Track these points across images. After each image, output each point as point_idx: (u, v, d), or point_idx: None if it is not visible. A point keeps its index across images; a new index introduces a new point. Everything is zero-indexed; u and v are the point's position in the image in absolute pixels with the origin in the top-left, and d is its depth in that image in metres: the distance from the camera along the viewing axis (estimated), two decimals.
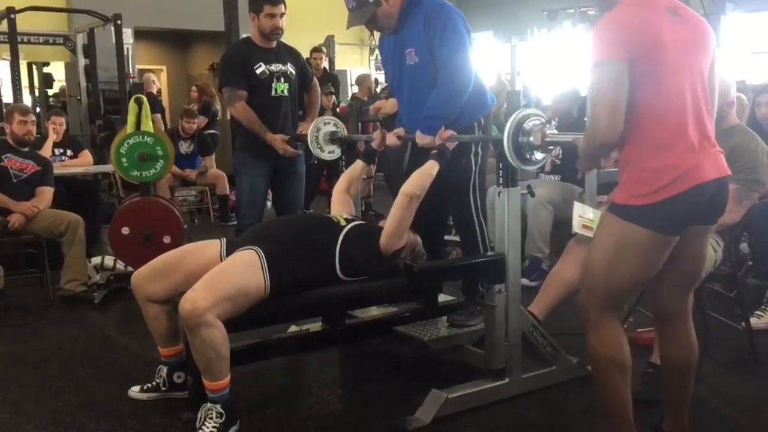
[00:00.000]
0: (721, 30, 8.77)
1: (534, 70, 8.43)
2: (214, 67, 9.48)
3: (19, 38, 6.20)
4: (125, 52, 6.73)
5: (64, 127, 5.67)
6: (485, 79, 3.16)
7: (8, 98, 6.74)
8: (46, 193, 4.37)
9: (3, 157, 4.31)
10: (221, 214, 7.02)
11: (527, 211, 4.48)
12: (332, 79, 7.85)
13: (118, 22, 6.19)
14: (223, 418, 2.40)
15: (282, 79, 3.85)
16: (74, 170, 5.51)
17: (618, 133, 1.93)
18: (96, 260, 4.59)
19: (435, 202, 3.13)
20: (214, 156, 7.66)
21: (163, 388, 2.77)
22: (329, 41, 9.93)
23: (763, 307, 3.47)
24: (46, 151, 5.22)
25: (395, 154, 3.84)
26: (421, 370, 3.07)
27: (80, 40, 7.47)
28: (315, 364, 3.15)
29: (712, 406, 2.79)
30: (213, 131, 8.12)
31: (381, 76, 10.75)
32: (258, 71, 3.78)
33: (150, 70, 8.95)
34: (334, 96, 7.23)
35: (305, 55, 8.14)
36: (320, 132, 3.51)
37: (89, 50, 7.31)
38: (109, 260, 4.59)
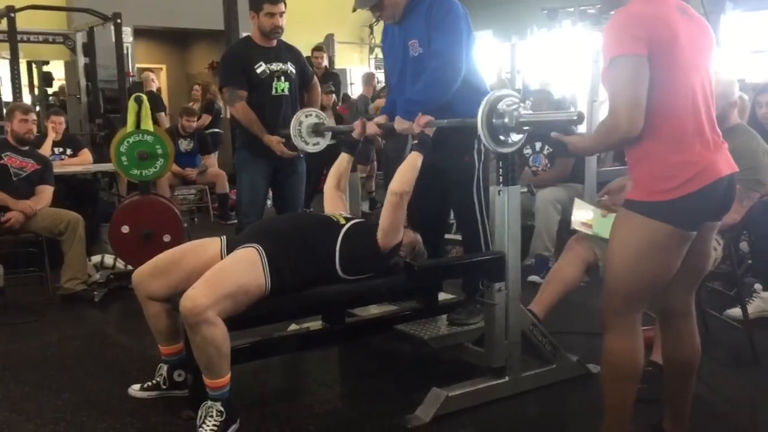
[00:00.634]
0: (721, 29, 8.77)
1: (534, 68, 8.42)
2: (213, 66, 9.47)
3: (18, 37, 6.19)
4: (125, 51, 6.72)
5: (63, 126, 5.67)
6: (486, 77, 3.16)
7: (8, 97, 6.74)
8: (46, 191, 4.37)
9: (3, 155, 4.31)
10: (221, 213, 7.02)
11: (535, 210, 4.50)
12: (332, 78, 7.84)
13: (118, 20, 6.18)
14: (224, 417, 2.40)
15: (282, 78, 3.84)
16: (74, 169, 5.51)
17: (639, 129, 1.91)
18: (96, 259, 4.59)
19: (436, 199, 3.13)
20: (216, 155, 7.66)
21: (164, 387, 2.78)
22: (329, 40, 9.94)
23: (748, 299, 3.47)
24: (45, 149, 5.22)
25: (394, 152, 3.83)
26: (421, 368, 3.07)
27: (80, 38, 7.47)
28: (315, 362, 3.15)
29: (711, 404, 2.79)
30: (216, 130, 8.13)
31: (381, 75, 10.76)
32: (258, 71, 3.78)
33: (149, 69, 8.95)
34: (334, 95, 7.22)
35: (306, 53, 8.19)
36: (302, 125, 3.49)
37: (89, 49, 7.30)
38: (109, 259, 4.60)
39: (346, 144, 3.22)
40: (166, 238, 4.21)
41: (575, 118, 2.31)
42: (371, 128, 3.06)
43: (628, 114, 1.90)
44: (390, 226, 2.68)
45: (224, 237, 2.75)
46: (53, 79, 8.88)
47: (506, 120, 2.43)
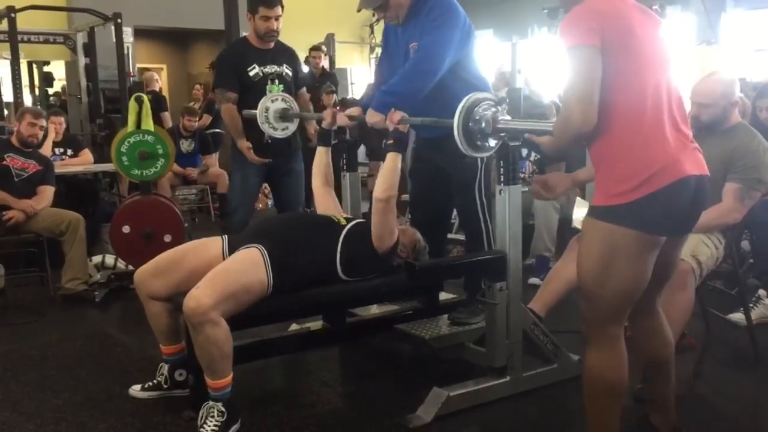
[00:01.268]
0: (721, 27, 8.76)
1: (535, 68, 8.42)
2: (214, 66, 9.46)
3: (19, 37, 6.18)
4: (125, 51, 6.71)
5: (63, 126, 5.66)
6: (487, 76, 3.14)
7: (8, 97, 6.73)
8: (47, 192, 4.37)
9: (5, 156, 4.31)
10: (222, 213, 7.02)
11: (534, 211, 4.50)
12: (330, 78, 7.84)
13: (119, 20, 6.18)
14: (225, 417, 2.40)
15: (276, 81, 3.81)
16: (75, 169, 5.50)
17: (592, 124, 1.85)
18: (97, 259, 4.59)
19: (439, 199, 3.13)
20: (217, 155, 7.66)
21: (165, 387, 2.77)
22: (329, 40, 9.93)
23: (751, 305, 3.46)
24: (45, 150, 5.21)
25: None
26: (422, 368, 3.07)
27: (80, 38, 7.47)
28: (316, 362, 3.15)
29: (713, 403, 2.79)
30: (217, 130, 8.12)
31: None
32: (251, 73, 3.76)
33: (148, 69, 8.95)
34: (335, 95, 7.22)
35: (306, 53, 8.17)
36: (269, 111, 3.45)
37: (89, 49, 7.30)
38: (109, 259, 4.59)
39: (320, 137, 3.19)
40: (167, 238, 4.21)
41: (550, 129, 2.21)
42: (342, 119, 3.04)
43: (581, 107, 1.85)
44: (382, 231, 2.66)
45: (225, 236, 2.75)
46: (54, 79, 8.87)
47: (483, 125, 2.39)
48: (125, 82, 6.44)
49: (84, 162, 5.63)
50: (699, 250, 2.89)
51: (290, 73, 3.89)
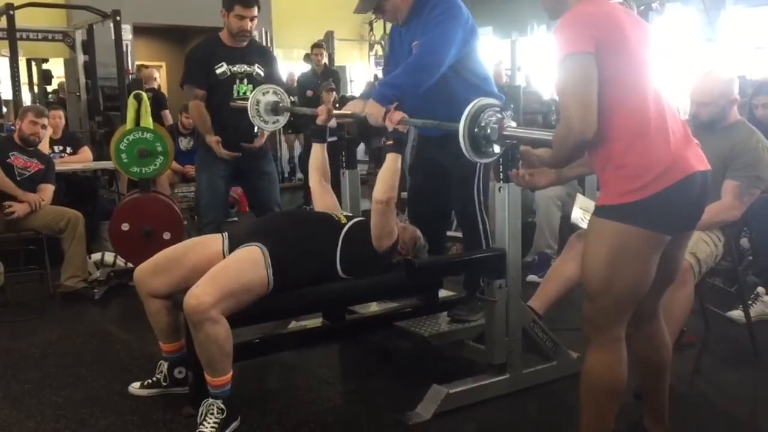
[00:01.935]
0: (721, 24, 8.76)
1: (535, 65, 8.43)
2: None
3: (18, 34, 6.17)
4: (124, 49, 6.70)
5: (62, 121, 5.65)
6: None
7: (7, 95, 6.72)
8: (47, 190, 4.37)
9: (10, 154, 4.31)
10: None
11: (536, 208, 4.50)
12: (332, 75, 7.84)
13: (117, 18, 6.17)
14: (224, 414, 2.40)
15: (245, 81, 3.75)
16: (74, 167, 5.50)
17: (593, 130, 1.83)
18: (96, 256, 4.59)
19: (439, 196, 3.13)
20: None
21: (164, 384, 2.78)
22: (329, 37, 9.92)
23: (750, 302, 3.46)
24: (43, 146, 5.20)
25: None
26: (421, 365, 3.07)
27: (79, 36, 7.44)
28: (315, 359, 3.15)
29: (712, 400, 2.80)
30: None
31: (380, 73, 10.75)
32: (218, 71, 3.70)
33: (146, 66, 8.93)
34: (335, 92, 7.21)
35: (305, 50, 8.15)
36: (260, 103, 3.39)
37: (88, 46, 7.28)
38: (109, 256, 4.59)
39: (315, 133, 3.16)
40: (166, 235, 4.21)
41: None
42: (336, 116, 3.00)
43: (580, 114, 1.82)
44: (381, 232, 2.65)
45: (225, 234, 2.75)
46: (53, 76, 8.86)
47: (488, 131, 2.33)
48: (124, 80, 6.43)
49: (83, 159, 5.63)
50: (698, 247, 2.90)
51: (261, 74, 3.80)
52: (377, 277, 2.78)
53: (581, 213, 3.11)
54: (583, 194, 3.40)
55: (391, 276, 2.78)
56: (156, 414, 2.65)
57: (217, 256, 2.62)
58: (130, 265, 4.30)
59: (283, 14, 10.04)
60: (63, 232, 4.21)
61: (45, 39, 7.50)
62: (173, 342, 2.74)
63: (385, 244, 2.68)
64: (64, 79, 8.95)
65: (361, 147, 8.78)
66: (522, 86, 4.91)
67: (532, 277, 4.16)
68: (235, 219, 6.68)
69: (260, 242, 2.55)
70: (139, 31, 9.33)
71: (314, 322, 3.11)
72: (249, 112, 3.38)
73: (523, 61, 8.09)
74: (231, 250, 2.62)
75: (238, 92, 3.75)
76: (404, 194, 3.99)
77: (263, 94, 3.41)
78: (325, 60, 8.23)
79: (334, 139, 3.43)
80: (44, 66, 8.64)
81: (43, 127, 4.48)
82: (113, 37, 6.27)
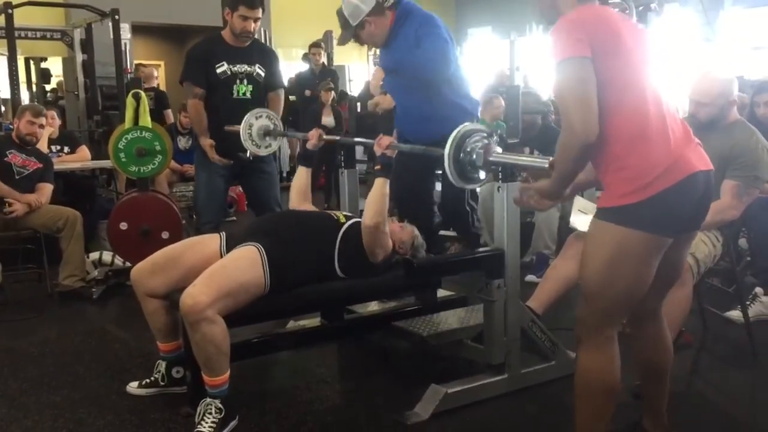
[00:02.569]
0: (719, 24, 8.76)
1: (534, 65, 8.44)
2: None
3: (16, 33, 6.17)
4: (123, 48, 6.69)
5: (56, 120, 5.64)
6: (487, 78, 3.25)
7: (6, 94, 6.71)
8: (46, 189, 4.36)
9: (7, 152, 4.31)
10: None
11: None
12: (330, 75, 7.84)
13: (116, 17, 6.16)
14: (222, 414, 2.40)
15: (245, 81, 3.72)
16: (72, 166, 5.49)
17: (595, 132, 1.82)
18: (94, 256, 4.58)
19: (423, 188, 3.28)
20: None
21: (162, 384, 2.77)
22: (328, 37, 9.92)
23: (748, 303, 3.46)
24: (41, 146, 5.19)
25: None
26: (419, 365, 3.07)
27: (78, 35, 7.44)
28: (314, 359, 3.15)
29: (711, 400, 2.80)
30: None
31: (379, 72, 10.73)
32: (219, 70, 3.68)
33: (147, 65, 8.92)
34: (333, 92, 7.22)
35: (304, 50, 8.15)
36: (253, 127, 3.38)
37: (87, 45, 7.27)
38: (107, 256, 4.58)
39: (303, 157, 3.17)
40: (165, 235, 4.21)
41: (546, 165, 2.18)
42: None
43: (580, 116, 1.82)
44: (373, 249, 2.66)
45: (223, 233, 2.75)
46: (51, 75, 8.85)
47: (474, 157, 2.35)
48: (123, 79, 6.42)
49: (81, 159, 5.62)
50: (697, 247, 2.90)
51: (262, 74, 3.77)
52: (376, 276, 2.78)
53: (580, 215, 3.11)
54: (582, 196, 3.40)
55: (390, 275, 2.78)
56: (154, 413, 2.64)
57: (215, 255, 2.62)
58: (128, 264, 4.30)
59: (283, 13, 10.03)
60: (61, 231, 4.21)
61: (43, 38, 7.50)
62: (171, 341, 2.74)
63: (380, 258, 2.68)
64: (62, 78, 8.94)
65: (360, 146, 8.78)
66: (521, 86, 4.91)
67: (530, 277, 4.16)
68: (234, 218, 6.68)
69: (258, 242, 2.55)
70: (137, 30, 9.33)
71: (313, 321, 3.11)
72: (241, 136, 3.36)
73: (522, 61, 8.09)
74: (228, 249, 2.61)
75: (238, 92, 3.73)
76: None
77: (256, 118, 3.39)
78: (324, 59, 8.23)
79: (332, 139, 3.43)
80: (43, 65, 8.62)
81: (41, 126, 4.46)
82: (112, 36, 6.26)
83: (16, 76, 6.08)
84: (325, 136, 3.10)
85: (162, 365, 2.78)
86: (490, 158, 2.32)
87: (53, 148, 5.47)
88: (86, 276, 4.32)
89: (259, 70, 3.77)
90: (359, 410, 2.69)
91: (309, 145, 3.09)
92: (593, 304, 2.00)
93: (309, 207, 3.08)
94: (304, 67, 8.48)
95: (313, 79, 7.76)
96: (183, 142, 6.84)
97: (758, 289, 3.63)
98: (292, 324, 3.23)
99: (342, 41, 3.14)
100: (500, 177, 2.59)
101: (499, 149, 2.36)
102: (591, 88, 1.84)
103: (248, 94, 3.74)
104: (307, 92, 7.68)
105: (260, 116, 3.40)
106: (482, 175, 2.43)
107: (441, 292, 3.19)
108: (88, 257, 4.46)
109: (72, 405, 2.75)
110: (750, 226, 3.66)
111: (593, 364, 2.01)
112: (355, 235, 2.70)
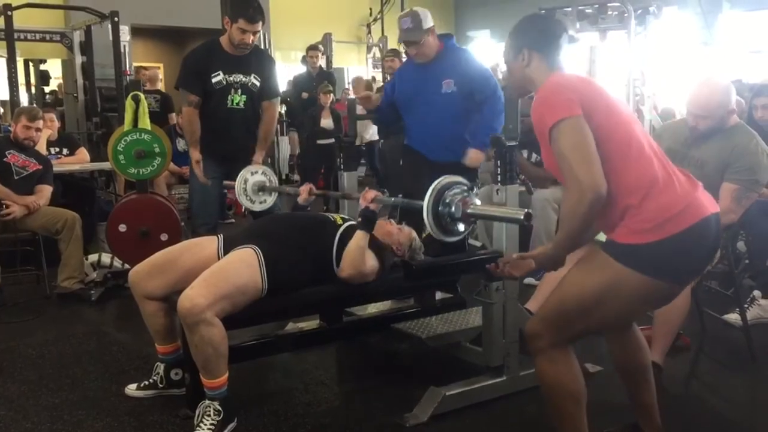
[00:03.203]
0: (718, 28, 8.78)
1: None
2: None
3: (16, 35, 6.17)
4: (122, 50, 6.70)
5: (55, 123, 5.64)
6: None
7: (5, 95, 6.71)
8: (45, 191, 4.36)
9: (7, 153, 4.31)
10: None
11: (532, 211, 4.50)
12: (327, 77, 7.84)
13: (115, 19, 6.16)
14: (221, 416, 2.40)
15: (240, 91, 3.70)
16: (71, 168, 5.49)
17: (603, 185, 1.80)
18: (93, 258, 4.58)
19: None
20: None
21: (161, 386, 2.77)
22: (326, 39, 9.93)
23: (746, 306, 3.46)
24: (40, 147, 5.19)
25: (392, 154, 3.85)
26: (418, 367, 3.07)
27: (77, 37, 7.44)
28: (313, 361, 3.15)
29: (709, 403, 2.80)
30: None
31: (378, 75, 10.76)
32: (214, 80, 3.65)
33: (147, 68, 8.93)
34: (332, 94, 7.22)
35: (303, 52, 8.16)
36: (248, 183, 3.35)
37: (86, 47, 7.27)
38: (106, 258, 4.59)
39: (295, 209, 3.17)
40: (164, 236, 4.20)
41: (521, 217, 2.19)
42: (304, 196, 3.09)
43: (586, 171, 1.80)
44: (360, 280, 2.65)
45: (221, 236, 2.75)
46: (50, 77, 8.85)
47: (452, 209, 2.35)
48: (122, 81, 6.43)
49: (80, 161, 5.62)
50: None
51: (257, 84, 3.74)
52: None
53: None
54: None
55: (388, 277, 2.78)
56: (152, 415, 2.64)
57: (213, 258, 2.62)
58: (127, 266, 4.30)
59: (281, 16, 10.05)
60: (60, 233, 4.21)
61: (43, 40, 7.50)
62: (169, 343, 2.74)
63: (369, 278, 2.68)
64: (61, 80, 8.94)
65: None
66: None
67: (529, 280, 4.15)
68: (232, 221, 6.68)
69: (255, 244, 2.55)
70: (137, 32, 9.34)
71: (311, 323, 3.11)
72: (236, 191, 3.34)
73: None
74: (226, 252, 2.61)
75: (232, 101, 3.70)
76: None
77: (251, 174, 3.36)
78: (322, 62, 8.23)
79: (332, 141, 3.44)
80: (42, 67, 8.63)
81: (38, 130, 4.46)
82: (111, 38, 6.26)
83: (15, 78, 6.09)
84: (315, 191, 3.11)
85: (160, 367, 2.78)
86: (468, 211, 2.32)
87: (52, 150, 5.47)
88: (85, 278, 4.33)
89: (254, 80, 3.74)
90: (358, 412, 2.69)
91: (300, 200, 3.08)
92: (566, 321, 1.98)
93: None
94: (303, 69, 8.49)
95: (311, 82, 7.77)
96: (182, 144, 6.83)
97: (756, 292, 3.64)
98: (290, 326, 3.23)
99: (417, 37, 3.49)
100: (499, 180, 2.60)
101: (478, 201, 2.38)
102: (591, 144, 1.84)
103: (242, 104, 3.72)
104: (304, 95, 7.69)
105: (255, 172, 3.38)
106: (461, 227, 2.42)
107: (439, 294, 3.19)
108: (86, 259, 4.47)
109: (70, 407, 2.74)
110: (748, 229, 3.67)
111: (555, 373, 2.00)
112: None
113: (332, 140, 6.50)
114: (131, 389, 2.81)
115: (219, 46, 3.72)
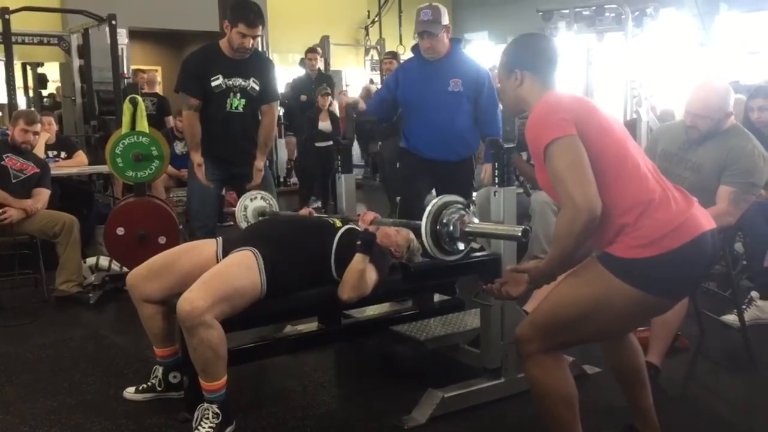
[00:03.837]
0: (715, 29, 8.80)
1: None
2: None
3: (13, 38, 6.17)
4: (120, 53, 6.69)
5: (53, 126, 5.64)
6: None
7: (2, 99, 6.72)
8: (43, 194, 4.36)
9: (4, 156, 4.31)
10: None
11: (531, 212, 4.50)
12: (326, 80, 7.85)
13: (113, 22, 6.16)
14: (220, 419, 2.40)
15: (239, 95, 3.69)
16: (69, 171, 5.49)
17: (598, 204, 1.80)
18: (91, 261, 4.58)
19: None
20: None
21: (159, 389, 2.77)
22: (325, 42, 9.94)
23: (744, 307, 3.47)
24: (38, 151, 5.19)
25: (390, 155, 3.88)
26: (417, 369, 3.07)
27: (75, 40, 7.45)
28: (311, 363, 3.15)
29: (707, 404, 2.81)
30: None
31: (375, 77, 10.77)
32: (214, 84, 3.63)
33: (144, 71, 8.93)
34: (330, 96, 7.23)
35: (302, 55, 8.16)
36: (248, 209, 3.32)
37: (84, 51, 7.28)
38: (104, 261, 4.58)
39: None
40: (162, 239, 4.20)
41: (519, 234, 2.19)
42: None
43: (580, 191, 1.80)
44: (364, 296, 2.63)
45: (220, 239, 2.75)
46: (48, 80, 8.84)
47: (450, 229, 2.34)
48: (120, 84, 6.42)
49: (78, 164, 5.62)
50: None
51: (257, 88, 3.72)
52: None
53: None
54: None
55: (387, 280, 2.78)
56: (151, 419, 2.64)
57: (211, 260, 2.62)
58: (125, 269, 4.29)
59: (279, 19, 10.05)
60: (58, 237, 4.21)
61: (40, 43, 7.50)
62: (167, 346, 2.74)
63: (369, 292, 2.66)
64: (59, 83, 8.93)
65: (357, 151, 8.80)
66: None
67: None
68: (231, 223, 6.67)
69: (254, 246, 2.55)
70: (134, 35, 9.33)
71: (310, 326, 3.11)
72: (236, 215, 3.32)
73: None
74: (225, 254, 2.61)
75: (231, 105, 3.69)
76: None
77: (251, 200, 3.34)
78: (320, 64, 8.23)
79: (330, 143, 3.44)
80: (39, 70, 8.61)
81: (35, 133, 4.46)
82: (109, 42, 6.26)
83: (12, 82, 6.10)
84: (315, 215, 3.11)
85: (159, 370, 2.78)
86: (466, 229, 2.32)
87: (50, 153, 5.47)
88: (83, 281, 4.32)
89: (253, 84, 3.72)
90: (356, 414, 2.69)
91: None
92: (551, 331, 1.98)
93: None
94: (301, 72, 8.50)
95: (309, 84, 7.78)
96: (180, 147, 6.84)
97: (754, 293, 3.64)
98: (289, 328, 3.23)
99: (437, 30, 3.54)
100: (497, 181, 2.61)
101: (475, 219, 2.38)
102: (586, 163, 1.84)
103: (240, 108, 3.71)
104: (303, 97, 7.69)
105: (254, 198, 3.36)
106: (461, 246, 2.42)
107: (437, 296, 3.19)
108: (84, 262, 4.47)
109: (68, 410, 2.74)
110: (746, 230, 3.68)
111: (545, 377, 2.00)
112: (351, 241, 2.70)
113: (330, 143, 6.51)
114: (129, 392, 2.81)
115: (218, 49, 3.71)
